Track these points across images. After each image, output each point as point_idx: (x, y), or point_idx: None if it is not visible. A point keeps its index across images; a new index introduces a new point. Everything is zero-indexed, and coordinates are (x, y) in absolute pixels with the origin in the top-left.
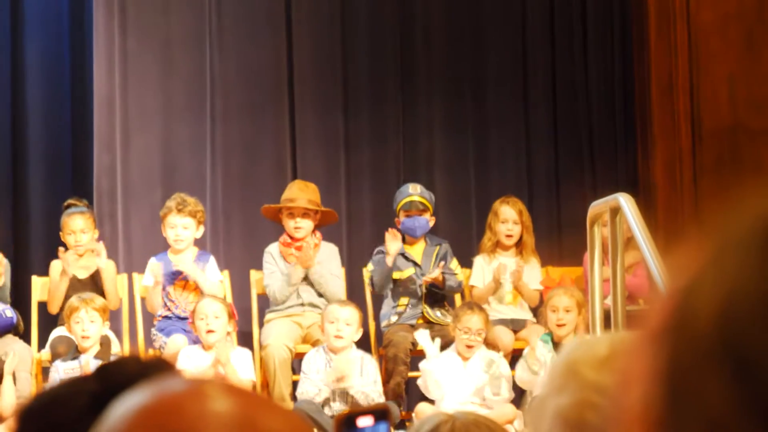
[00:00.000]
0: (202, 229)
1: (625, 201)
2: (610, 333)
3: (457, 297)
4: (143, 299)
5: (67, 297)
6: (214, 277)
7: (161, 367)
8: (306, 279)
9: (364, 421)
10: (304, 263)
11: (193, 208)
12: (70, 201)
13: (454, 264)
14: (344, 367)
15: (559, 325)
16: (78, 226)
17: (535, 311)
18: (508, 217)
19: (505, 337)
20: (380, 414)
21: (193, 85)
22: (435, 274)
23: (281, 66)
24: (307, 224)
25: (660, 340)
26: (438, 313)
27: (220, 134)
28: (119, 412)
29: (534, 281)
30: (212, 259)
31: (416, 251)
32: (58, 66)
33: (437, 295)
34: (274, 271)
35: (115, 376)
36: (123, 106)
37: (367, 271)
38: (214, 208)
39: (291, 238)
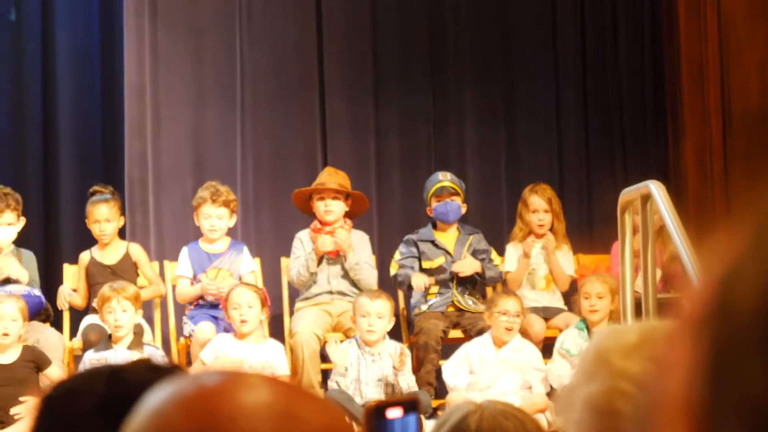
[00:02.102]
0: (235, 218)
1: (656, 188)
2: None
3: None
4: (174, 287)
5: (97, 284)
6: (248, 267)
7: (173, 373)
8: (336, 265)
9: (394, 413)
10: (341, 248)
11: (227, 197)
12: (95, 188)
13: (493, 254)
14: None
15: (592, 311)
16: (102, 215)
17: (567, 300)
18: (539, 207)
19: (536, 324)
20: (410, 405)
21: (223, 73)
22: (463, 268)
23: (311, 53)
24: (338, 206)
25: (701, 327)
26: (469, 302)
27: (250, 122)
28: (157, 399)
29: (566, 265)
30: (246, 250)
31: (448, 239)
32: (89, 55)
33: (467, 283)
34: (299, 256)
35: (125, 384)
36: (153, 95)
37: (394, 263)
38: (244, 196)
39: (321, 223)
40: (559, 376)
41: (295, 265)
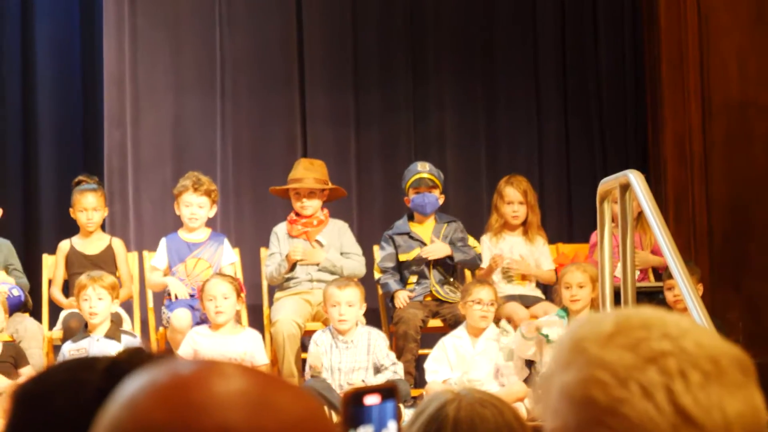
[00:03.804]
0: (215, 208)
1: (634, 177)
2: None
3: (468, 274)
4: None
5: (76, 273)
6: (229, 259)
7: (167, 360)
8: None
9: (372, 399)
10: (309, 260)
11: (208, 187)
12: (80, 177)
13: (471, 242)
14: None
15: (573, 301)
16: (90, 204)
17: (545, 289)
18: (513, 198)
19: (520, 311)
20: (387, 392)
21: (203, 63)
22: (431, 251)
23: (291, 43)
24: (313, 203)
25: None
26: (448, 291)
27: (230, 112)
28: (131, 389)
29: (545, 261)
30: (226, 242)
31: (425, 230)
32: (69, 44)
33: (445, 272)
34: (274, 252)
35: (124, 375)
36: (133, 84)
37: (377, 266)
38: (224, 186)
39: (297, 215)
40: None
41: (270, 262)
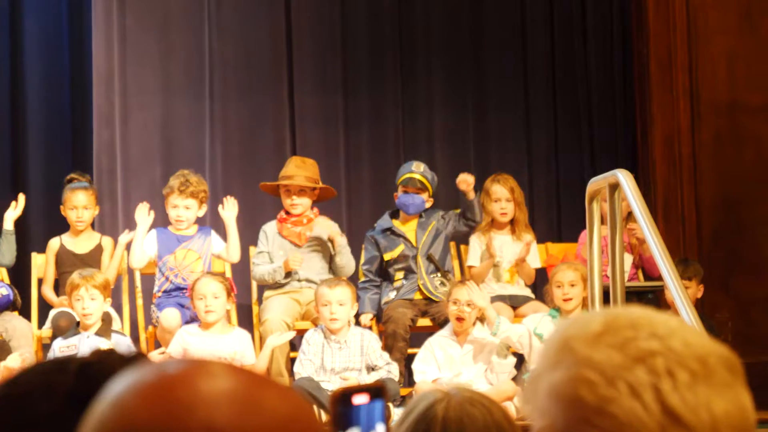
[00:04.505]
0: (205, 208)
1: (623, 177)
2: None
3: (456, 270)
4: (143, 275)
5: (66, 272)
6: (218, 246)
7: (141, 362)
8: (305, 255)
9: (360, 399)
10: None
11: (196, 188)
12: (72, 175)
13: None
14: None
15: (565, 300)
16: (81, 202)
17: (534, 289)
18: (501, 196)
19: (504, 312)
20: (376, 391)
21: (192, 62)
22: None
23: (280, 44)
24: (303, 201)
25: None
26: (437, 283)
27: (220, 112)
28: (118, 388)
29: (532, 258)
30: (213, 232)
31: (409, 226)
32: (58, 44)
33: (433, 269)
34: (262, 251)
35: (94, 377)
36: (122, 84)
37: (361, 269)
38: (213, 185)
39: (287, 213)
40: (519, 335)
41: (258, 260)
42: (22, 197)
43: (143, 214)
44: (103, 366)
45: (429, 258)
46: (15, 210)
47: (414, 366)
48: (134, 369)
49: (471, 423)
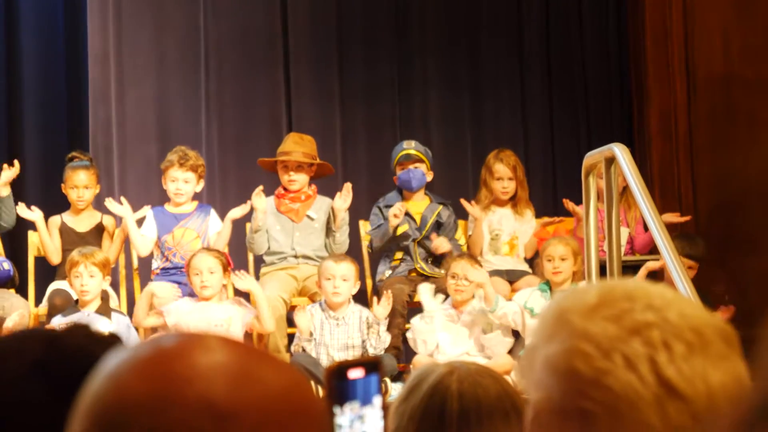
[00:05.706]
0: (202, 183)
1: (620, 151)
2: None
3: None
4: (139, 258)
5: (66, 250)
6: (216, 228)
7: (113, 342)
8: (300, 230)
9: (355, 373)
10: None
11: (195, 162)
12: (74, 153)
13: (459, 233)
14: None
15: (555, 273)
16: (82, 181)
17: (531, 264)
18: (503, 174)
19: (500, 287)
20: (371, 366)
21: (187, 39)
22: (442, 248)
23: (275, 22)
24: (301, 178)
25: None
26: (432, 266)
27: (215, 90)
28: (114, 362)
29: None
30: (213, 212)
31: (417, 207)
32: (53, 22)
33: (429, 250)
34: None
35: (63, 349)
36: (117, 62)
37: (366, 234)
38: (209, 162)
39: (285, 189)
40: (513, 313)
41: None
42: (16, 163)
43: (125, 208)
44: (73, 341)
45: (422, 245)
46: (10, 171)
47: (408, 335)
48: (108, 351)
49: (485, 394)
